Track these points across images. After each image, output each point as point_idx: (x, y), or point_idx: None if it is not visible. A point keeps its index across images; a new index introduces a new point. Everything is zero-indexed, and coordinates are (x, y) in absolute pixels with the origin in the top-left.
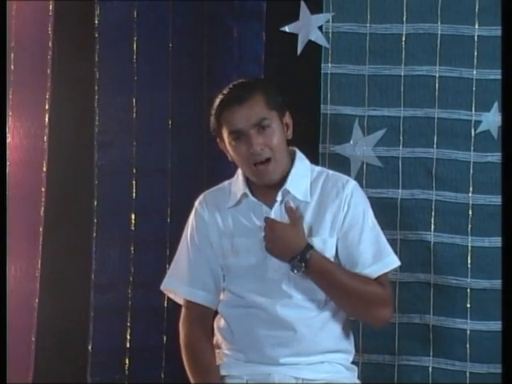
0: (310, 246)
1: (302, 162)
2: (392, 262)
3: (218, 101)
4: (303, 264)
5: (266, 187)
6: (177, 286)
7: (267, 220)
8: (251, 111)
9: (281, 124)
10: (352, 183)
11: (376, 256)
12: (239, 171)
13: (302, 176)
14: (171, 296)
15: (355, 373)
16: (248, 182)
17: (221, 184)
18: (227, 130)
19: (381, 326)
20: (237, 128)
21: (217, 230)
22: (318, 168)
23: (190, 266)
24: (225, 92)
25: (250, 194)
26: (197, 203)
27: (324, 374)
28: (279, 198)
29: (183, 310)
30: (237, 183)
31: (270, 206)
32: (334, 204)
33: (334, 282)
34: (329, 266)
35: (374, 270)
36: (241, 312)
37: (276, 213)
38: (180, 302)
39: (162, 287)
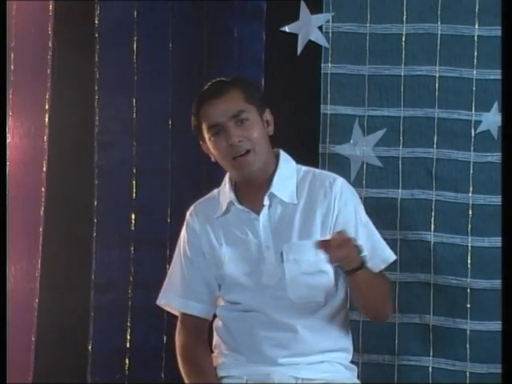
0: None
1: (286, 163)
2: (389, 256)
3: (196, 99)
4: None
5: (252, 192)
6: (171, 298)
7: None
8: (228, 104)
9: (260, 119)
10: (340, 181)
11: (372, 251)
12: (226, 178)
13: (288, 177)
14: (168, 309)
15: (355, 372)
16: (235, 188)
17: (210, 193)
18: (206, 126)
19: (385, 320)
20: (215, 121)
21: (208, 240)
22: (304, 168)
23: (183, 278)
24: (203, 89)
25: (236, 202)
26: (187, 215)
27: (323, 374)
28: (266, 202)
29: (179, 320)
30: (224, 191)
31: (258, 212)
32: (323, 205)
33: (371, 281)
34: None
35: (372, 265)
36: (239, 315)
37: (264, 218)
38: (177, 313)
39: (158, 302)
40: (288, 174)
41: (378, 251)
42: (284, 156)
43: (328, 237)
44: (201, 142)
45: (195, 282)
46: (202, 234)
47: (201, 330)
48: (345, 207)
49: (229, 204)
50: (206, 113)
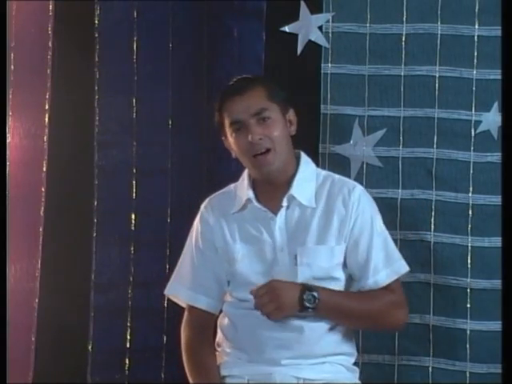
0: (306, 288)
1: (307, 166)
2: (401, 267)
3: (220, 94)
4: (314, 303)
5: (270, 191)
6: (179, 290)
7: (255, 291)
8: (251, 101)
9: (283, 118)
10: (359, 189)
11: (386, 261)
12: (245, 174)
13: (308, 180)
14: (175, 300)
15: (356, 374)
16: (253, 185)
17: (226, 187)
18: (228, 122)
19: (398, 329)
20: (237, 118)
21: (222, 235)
22: (324, 172)
23: (193, 270)
24: (227, 85)
25: (254, 200)
26: (202, 207)
27: (325, 375)
28: (285, 203)
29: (185, 313)
30: (242, 187)
31: (275, 212)
32: (340, 211)
33: (346, 312)
34: (336, 298)
35: (385, 275)
36: (245, 313)
37: (281, 219)
38: (184, 305)
39: (166, 292)
40: (308, 177)
41: (391, 261)
42: (305, 158)
43: (343, 245)
44: (223, 138)
45: (205, 275)
46: (216, 228)
47: (207, 325)
48: (361, 216)
49: (246, 201)
50: (228, 109)
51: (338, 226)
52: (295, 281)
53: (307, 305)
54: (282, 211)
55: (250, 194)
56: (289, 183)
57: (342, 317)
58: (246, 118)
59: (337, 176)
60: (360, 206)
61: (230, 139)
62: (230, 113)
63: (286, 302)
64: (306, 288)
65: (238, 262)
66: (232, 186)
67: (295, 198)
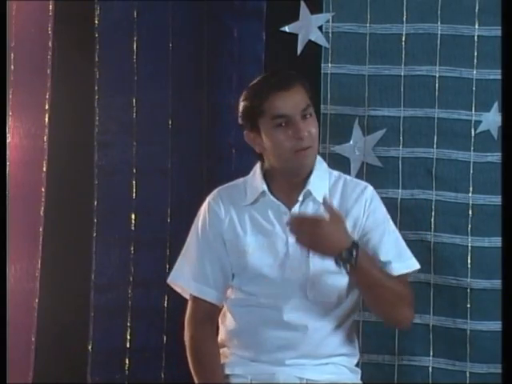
0: (356, 243)
1: (321, 164)
2: (413, 263)
3: (257, 87)
4: (351, 261)
5: (286, 186)
6: (186, 281)
7: (309, 216)
8: (298, 97)
9: (315, 116)
10: (370, 189)
11: (398, 257)
12: (256, 168)
13: (322, 178)
14: (178, 290)
15: (359, 375)
16: (266, 179)
17: (235, 181)
18: (271, 115)
19: (404, 327)
20: (284, 113)
21: (232, 228)
22: (335, 172)
23: (200, 261)
24: (263, 79)
25: (268, 193)
26: (210, 198)
27: (328, 375)
28: (301, 198)
29: (190, 305)
30: (254, 180)
31: (289, 207)
32: (354, 209)
33: (374, 279)
34: (373, 263)
35: (395, 268)
36: (250, 311)
37: (294, 214)
38: (187, 296)
39: (169, 280)
40: (323, 175)
41: (403, 258)
42: (319, 157)
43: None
44: (245, 131)
45: (213, 267)
46: (226, 220)
47: (213, 316)
48: (374, 212)
49: (260, 194)
50: (273, 103)
51: (351, 224)
52: (306, 274)
53: (343, 264)
54: (297, 206)
55: (265, 187)
56: (304, 179)
57: (369, 281)
58: (294, 113)
59: (348, 177)
60: (372, 204)
61: (266, 133)
62: (275, 107)
63: (326, 247)
64: (354, 246)
65: (249, 255)
66: (241, 179)
67: (311, 193)
